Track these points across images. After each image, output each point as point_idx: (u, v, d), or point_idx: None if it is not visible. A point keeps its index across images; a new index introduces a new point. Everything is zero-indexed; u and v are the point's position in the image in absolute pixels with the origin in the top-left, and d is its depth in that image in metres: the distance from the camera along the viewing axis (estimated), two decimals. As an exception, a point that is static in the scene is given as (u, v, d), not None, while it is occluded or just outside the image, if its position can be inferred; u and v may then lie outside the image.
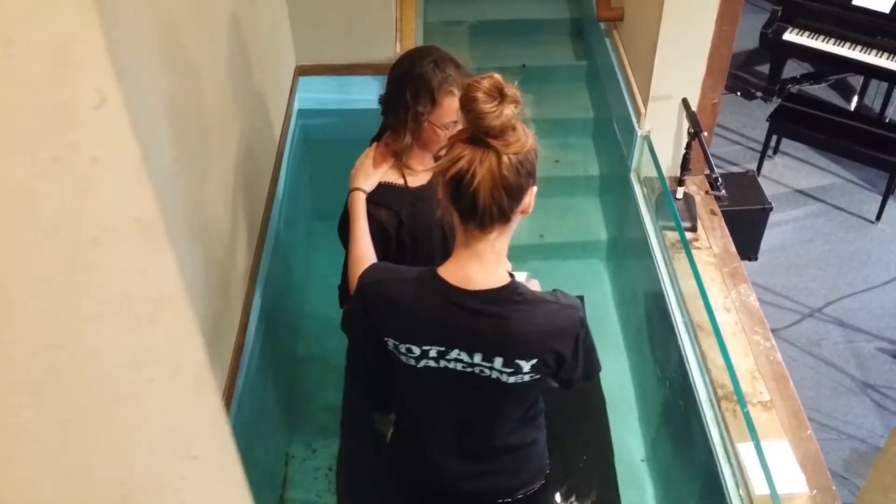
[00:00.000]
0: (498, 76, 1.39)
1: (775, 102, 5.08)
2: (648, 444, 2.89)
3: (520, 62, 3.73)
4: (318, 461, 2.76)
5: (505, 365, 1.55)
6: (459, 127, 1.97)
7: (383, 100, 2.10)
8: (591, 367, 1.69)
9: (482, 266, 1.50)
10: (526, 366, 1.55)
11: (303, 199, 3.36)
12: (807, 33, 4.92)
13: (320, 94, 3.36)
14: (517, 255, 3.11)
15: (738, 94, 5.49)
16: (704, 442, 2.42)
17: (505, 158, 1.39)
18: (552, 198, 3.39)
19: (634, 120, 3.13)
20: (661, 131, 3.08)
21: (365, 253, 1.95)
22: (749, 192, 3.38)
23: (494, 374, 1.57)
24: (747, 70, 5.70)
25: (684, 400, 2.61)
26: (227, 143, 2.37)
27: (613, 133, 3.37)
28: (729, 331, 2.68)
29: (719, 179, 2.69)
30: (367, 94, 3.36)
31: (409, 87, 1.99)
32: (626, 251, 3.21)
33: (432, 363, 1.59)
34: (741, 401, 2.34)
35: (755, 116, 5.30)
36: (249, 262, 2.59)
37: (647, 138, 3.09)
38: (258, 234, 2.68)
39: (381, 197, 2.08)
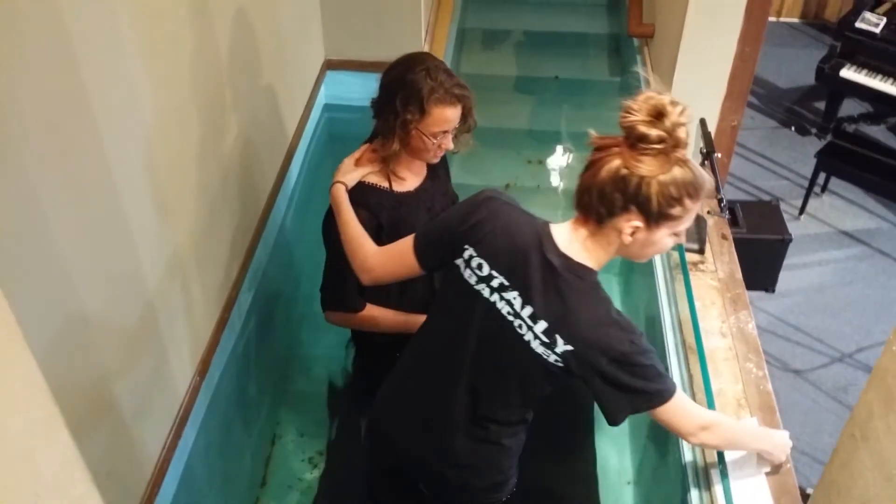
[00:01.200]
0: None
1: (829, 140, 4.94)
2: (636, 466, 2.82)
3: (553, 74, 3.72)
4: (305, 445, 2.78)
5: (545, 332, 1.57)
6: (450, 135, 2.00)
7: (374, 104, 2.09)
8: (643, 394, 1.62)
9: (588, 243, 1.57)
10: (561, 346, 1.57)
11: (320, 193, 3.41)
12: (865, 71, 4.77)
13: (346, 89, 3.42)
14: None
15: (793, 128, 5.35)
16: (679, 467, 2.35)
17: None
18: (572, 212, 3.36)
19: (651, 137, 3.08)
20: (678, 150, 3.02)
21: (360, 233, 1.94)
22: (770, 221, 3.29)
23: (528, 336, 1.59)
24: (804, 105, 5.55)
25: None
26: (228, 132, 2.43)
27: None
28: (721, 356, 2.60)
29: (724, 200, 2.62)
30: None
31: (399, 93, 1.98)
32: (634, 268, 3.15)
33: (486, 292, 1.63)
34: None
35: (807, 153, 5.15)
36: (247, 242, 2.64)
37: (661, 156, 3.04)
38: (259, 217, 2.74)
39: (362, 198, 2.06)
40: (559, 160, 3.58)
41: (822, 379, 4.01)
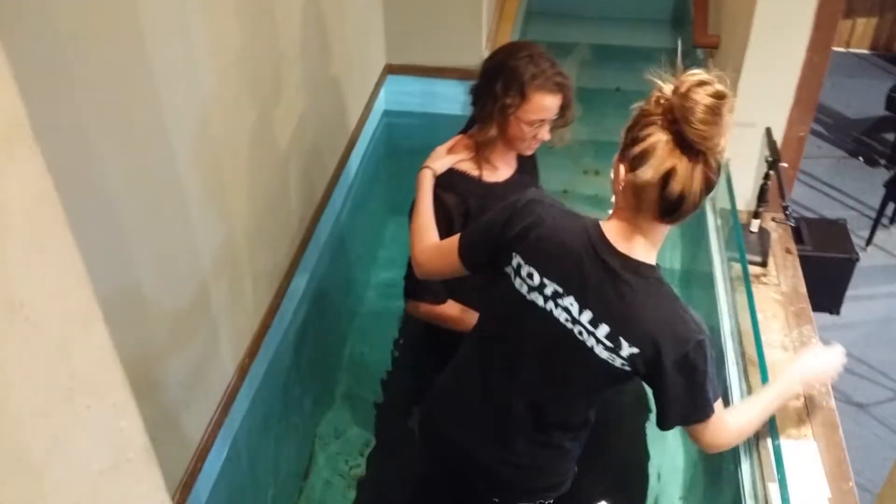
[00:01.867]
0: (721, 87, 1.42)
1: (898, 170, 4.79)
2: (686, 483, 2.71)
3: (615, 85, 3.68)
4: (348, 443, 2.73)
5: (608, 337, 1.49)
6: (547, 126, 1.96)
7: (473, 90, 2.07)
8: (697, 408, 1.57)
9: (640, 241, 1.49)
10: (626, 349, 1.49)
11: (377, 196, 3.41)
12: (939, 100, 4.63)
13: (407, 95, 3.43)
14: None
15: (860, 158, 5.21)
16: (734, 479, 2.25)
17: (712, 162, 1.42)
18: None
19: (715, 146, 3.01)
20: (742, 160, 2.95)
21: (428, 225, 1.91)
22: (836, 240, 3.17)
23: (591, 342, 1.52)
24: (872, 136, 5.41)
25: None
26: (288, 120, 2.44)
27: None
28: (782, 369, 2.50)
29: (790, 208, 2.54)
30: (450, 98, 3.40)
31: (500, 78, 1.96)
32: (694, 280, 3.06)
33: (540, 300, 1.55)
34: (774, 434, 2.17)
35: (875, 183, 5.00)
36: (300, 238, 2.63)
37: (725, 166, 2.96)
38: (314, 211, 2.73)
39: (451, 183, 2.04)
40: (610, 166, 3.52)
41: (886, 414, 3.86)
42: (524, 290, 1.56)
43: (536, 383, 1.65)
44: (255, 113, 2.16)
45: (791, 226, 2.59)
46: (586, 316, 1.50)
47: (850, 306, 4.02)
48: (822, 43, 2.70)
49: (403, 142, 3.45)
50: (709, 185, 1.41)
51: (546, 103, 1.96)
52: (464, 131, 2.18)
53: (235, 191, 2.10)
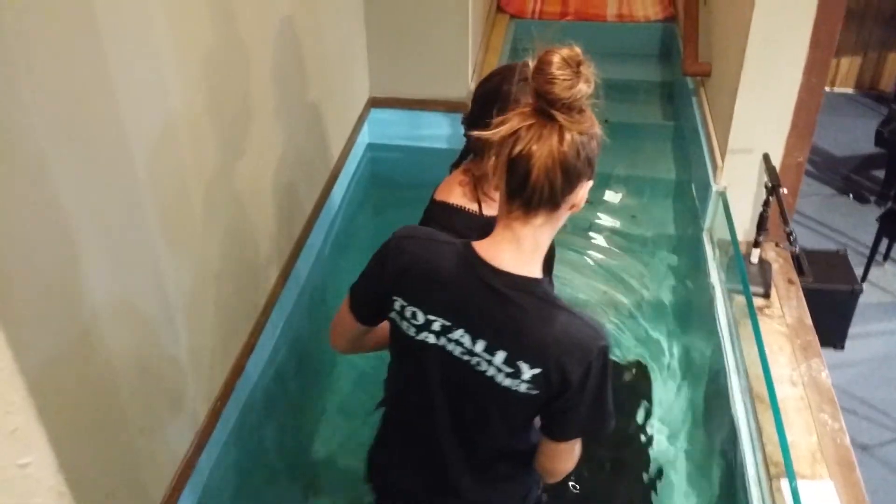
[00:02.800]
0: (579, 50, 1.28)
1: (890, 206, 4.72)
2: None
3: (603, 117, 3.59)
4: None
5: (506, 362, 1.37)
6: None
7: (466, 119, 1.93)
8: (601, 419, 1.44)
9: (518, 251, 1.36)
10: (527, 372, 1.36)
11: (361, 233, 3.27)
12: (928, 135, 4.59)
13: (391, 128, 3.32)
14: (584, 308, 2.91)
15: (850, 196, 5.14)
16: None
17: (568, 136, 1.27)
18: (627, 255, 3.19)
19: (711, 174, 2.91)
20: (739, 188, 2.84)
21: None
22: (838, 271, 3.07)
23: (490, 371, 1.39)
24: (861, 174, 5.35)
25: (732, 475, 2.28)
26: (260, 153, 2.32)
27: (691, 192, 3.15)
28: (792, 406, 2.36)
29: (793, 234, 2.42)
30: (436, 131, 3.30)
31: (496, 104, 1.77)
32: (692, 313, 2.93)
33: (431, 338, 1.42)
34: (791, 475, 2.02)
35: (866, 220, 4.92)
36: (273, 281, 2.48)
37: (722, 194, 2.86)
38: (288, 255, 2.59)
39: (448, 221, 1.88)
40: (607, 200, 3.42)
41: (890, 455, 3.71)
42: (412, 332, 1.44)
43: (457, 424, 1.52)
44: (222, 142, 2.03)
45: (795, 252, 2.46)
46: (480, 345, 1.38)
47: (848, 344, 3.91)
48: (819, 64, 2.62)
49: (388, 176, 3.32)
50: (564, 164, 1.26)
51: None
52: (456, 164, 2.05)
53: (203, 227, 1.96)
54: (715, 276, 2.81)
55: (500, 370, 1.37)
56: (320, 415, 2.62)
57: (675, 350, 2.81)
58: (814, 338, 2.58)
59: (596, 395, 1.39)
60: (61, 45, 1.34)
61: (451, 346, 1.41)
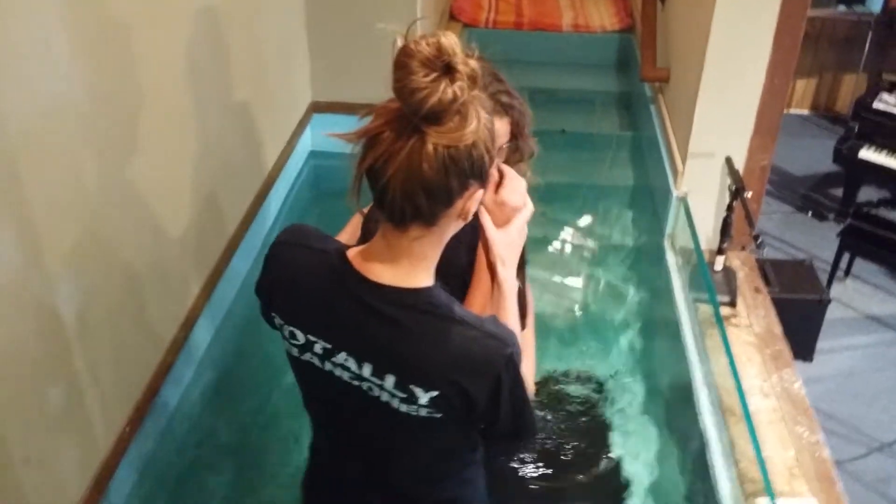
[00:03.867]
0: (451, 40, 1.04)
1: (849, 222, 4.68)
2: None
3: (559, 127, 3.47)
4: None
5: (397, 387, 1.17)
6: (500, 157, 1.60)
7: None
8: (523, 425, 1.26)
9: (395, 263, 1.16)
10: (423, 397, 1.16)
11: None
12: (885, 152, 4.56)
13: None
14: (545, 326, 2.73)
15: (809, 213, 5.11)
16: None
17: (429, 148, 1.04)
18: (585, 266, 3.03)
19: (671, 180, 2.78)
20: (701, 193, 2.71)
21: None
22: (804, 281, 2.94)
23: (385, 397, 1.19)
24: (819, 191, 5.33)
25: (705, 496, 2.11)
26: (173, 159, 2.11)
27: (651, 199, 3.01)
28: (765, 418, 2.21)
29: (760, 237, 2.28)
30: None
31: None
32: (655, 325, 2.77)
33: (317, 361, 1.23)
34: (769, 493, 1.85)
35: (827, 237, 4.87)
36: (190, 304, 2.27)
37: (683, 200, 2.72)
38: (209, 274, 2.37)
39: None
40: (565, 212, 3.28)
41: (861, 470, 3.60)
42: (295, 352, 1.26)
43: (364, 453, 1.35)
44: (110, 140, 1.79)
45: (762, 256, 2.32)
46: (367, 369, 1.19)
47: (815, 359, 3.81)
48: (782, 65, 2.51)
49: (332, 185, 3.13)
50: (425, 183, 1.06)
51: (502, 127, 1.63)
52: None
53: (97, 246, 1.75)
54: (678, 285, 2.66)
55: (393, 395, 1.18)
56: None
57: (638, 364, 2.64)
58: (784, 347, 2.44)
59: (514, 405, 1.20)
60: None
61: (338, 371, 1.21)
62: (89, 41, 1.63)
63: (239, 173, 2.55)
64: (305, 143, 3.14)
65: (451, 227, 1.16)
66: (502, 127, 1.57)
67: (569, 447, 2.33)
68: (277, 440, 2.33)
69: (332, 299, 1.19)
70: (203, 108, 2.21)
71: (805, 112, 6.13)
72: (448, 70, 1.02)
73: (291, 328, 1.23)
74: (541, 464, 2.25)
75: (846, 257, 4.46)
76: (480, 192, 1.14)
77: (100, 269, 1.75)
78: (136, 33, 1.82)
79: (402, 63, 1.02)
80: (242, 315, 2.56)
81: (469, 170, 1.08)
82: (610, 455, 2.33)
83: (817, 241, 4.91)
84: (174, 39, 2.03)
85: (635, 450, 2.40)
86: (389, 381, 1.17)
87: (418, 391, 1.16)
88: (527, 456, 2.27)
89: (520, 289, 1.43)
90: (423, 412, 1.18)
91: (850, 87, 5.90)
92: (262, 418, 2.39)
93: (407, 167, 1.04)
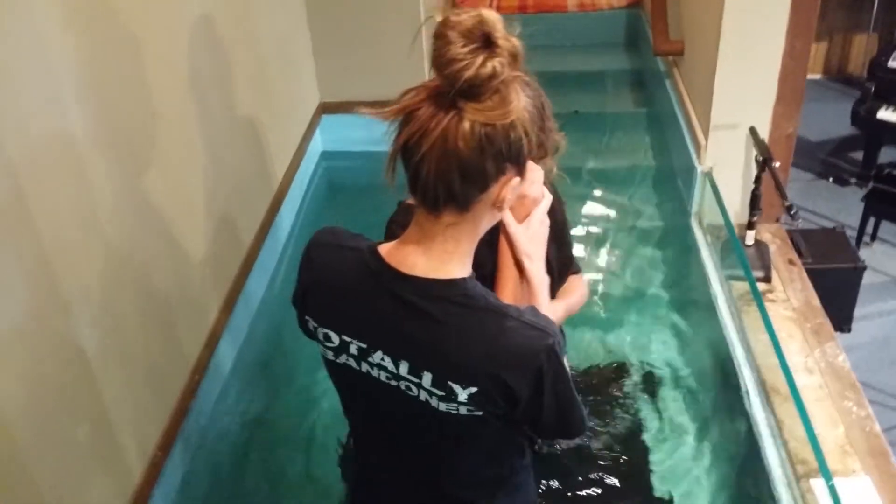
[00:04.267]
0: (494, 15, 1.02)
1: (872, 185, 4.59)
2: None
3: (573, 108, 3.40)
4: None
5: (435, 385, 1.12)
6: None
7: None
8: (569, 422, 1.20)
9: (428, 252, 1.12)
10: (462, 393, 1.11)
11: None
12: (905, 111, 4.47)
13: (346, 134, 3.08)
14: (577, 314, 2.65)
15: (831, 179, 5.01)
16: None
17: (465, 125, 1.00)
18: (612, 250, 2.96)
19: (694, 155, 2.70)
20: (726, 167, 2.63)
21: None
22: (837, 249, 2.87)
23: (423, 396, 1.14)
24: (839, 156, 5.23)
25: (755, 479, 2.04)
26: (182, 174, 2.05)
27: (673, 177, 2.93)
28: (812, 395, 2.13)
29: (794, 207, 2.21)
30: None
31: None
32: (689, 306, 2.70)
33: (353, 363, 1.19)
34: (825, 473, 1.78)
35: (848, 202, 4.79)
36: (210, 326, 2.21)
37: (708, 175, 2.65)
38: (233, 280, 2.32)
39: (406, 219, 1.65)
40: (584, 195, 3.22)
41: (899, 439, 3.51)
42: (330, 356, 1.22)
43: (410, 459, 1.30)
44: (117, 162, 1.73)
45: (797, 229, 2.25)
46: (405, 367, 1.15)
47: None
48: (802, 26, 2.43)
49: (348, 185, 3.08)
50: (461, 163, 1.02)
51: None
52: None
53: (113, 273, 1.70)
54: (709, 264, 2.59)
55: (432, 393, 1.13)
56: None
57: (675, 347, 2.57)
58: (825, 320, 2.36)
59: (559, 397, 1.14)
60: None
61: (375, 372, 1.17)
62: (96, 76, 1.58)
63: (251, 183, 2.50)
64: (316, 145, 3.08)
65: (485, 216, 1.12)
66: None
67: (607, 435, 2.27)
68: (317, 450, 2.28)
69: (365, 297, 1.15)
70: (209, 121, 2.15)
71: (818, 76, 6.01)
72: (488, 43, 0.99)
73: (325, 330, 1.19)
74: (582, 451, 2.19)
75: (871, 221, 4.39)
76: (517, 180, 1.09)
77: (121, 295, 1.70)
78: (140, 49, 1.77)
79: (442, 33, 1.00)
80: (265, 328, 2.52)
81: (506, 152, 1.04)
82: (650, 441, 2.27)
83: (841, 207, 4.81)
84: (175, 51, 1.97)
85: (679, 435, 2.34)
86: (427, 378, 1.12)
87: (456, 388, 1.11)
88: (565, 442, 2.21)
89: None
90: (464, 410, 1.13)
91: (861, 48, 5.79)
92: (300, 433, 2.34)
93: (442, 144, 1.01)
